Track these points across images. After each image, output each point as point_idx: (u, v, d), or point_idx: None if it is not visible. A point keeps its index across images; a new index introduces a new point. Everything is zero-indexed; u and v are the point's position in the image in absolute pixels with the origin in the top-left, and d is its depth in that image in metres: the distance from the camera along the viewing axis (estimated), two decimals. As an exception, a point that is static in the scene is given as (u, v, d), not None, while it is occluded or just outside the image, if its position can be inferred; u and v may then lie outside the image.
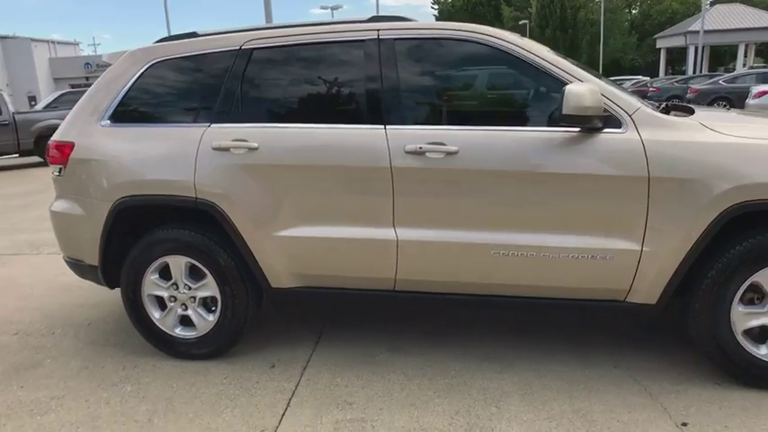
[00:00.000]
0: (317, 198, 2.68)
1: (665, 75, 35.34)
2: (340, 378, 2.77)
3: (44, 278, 4.41)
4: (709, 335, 2.45)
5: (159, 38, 3.14)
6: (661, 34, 39.15)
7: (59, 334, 3.44)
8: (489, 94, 2.74)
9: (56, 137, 3.05)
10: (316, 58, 2.77)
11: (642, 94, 21.40)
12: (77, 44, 48.78)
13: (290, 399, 2.61)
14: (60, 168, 3.03)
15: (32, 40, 41.74)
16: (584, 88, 2.25)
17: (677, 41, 36.64)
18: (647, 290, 2.47)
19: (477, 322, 3.29)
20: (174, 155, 2.79)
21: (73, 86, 27.96)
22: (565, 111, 2.26)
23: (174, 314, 2.98)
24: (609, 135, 2.40)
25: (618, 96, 2.45)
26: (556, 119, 2.39)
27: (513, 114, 2.67)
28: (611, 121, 2.41)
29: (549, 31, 40.79)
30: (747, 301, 2.43)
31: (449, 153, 2.50)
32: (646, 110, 2.43)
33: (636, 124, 2.40)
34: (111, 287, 3.09)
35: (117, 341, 3.27)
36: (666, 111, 2.68)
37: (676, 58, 44.24)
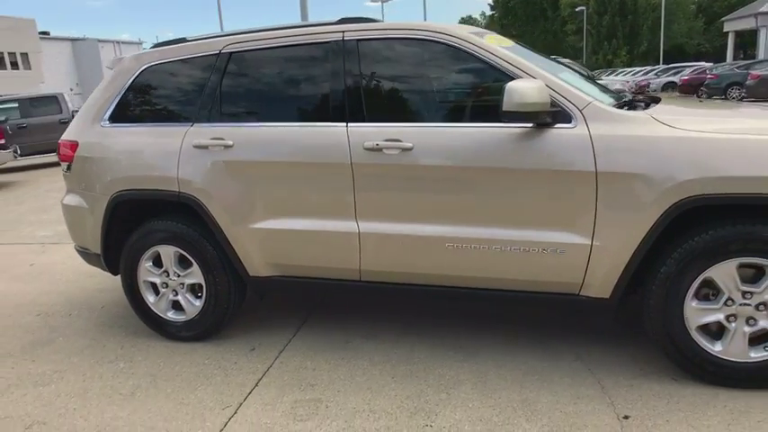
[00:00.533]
0: (286, 193, 2.85)
1: (734, 60, 33.32)
2: (310, 362, 2.93)
3: (74, 265, 4.80)
4: (663, 330, 2.44)
5: (154, 44, 3.38)
6: (729, 16, 36.88)
7: (75, 315, 3.78)
8: (445, 91, 2.81)
9: (64, 136, 3.36)
10: (286, 60, 2.92)
11: (699, 81, 20.37)
12: (141, 44, 51.18)
13: (260, 379, 2.79)
14: (68, 165, 3.34)
15: (99, 41, 44.21)
16: (525, 85, 2.30)
17: (747, 24, 34.39)
18: (600, 284, 2.48)
19: (452, 313, 3.37)
20: (160, 152, 3.03)
21: None
22: (504, 107, 2.31)
23: (166, 299, 3.23)
24: (559, 130, 2.43)
25: (569, 92, 2.47)
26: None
27: (468, 111, 2.73)
28: (562, 116, 2.44)
29: (607, 18, 39.39)
30: (703, 297, 2.41)
31: (404, 149, 2.60)
32: (596, 104, 2.44)
33: (586, 119, 2.42)
34: (114, 273, 3.38)
35: (122, 323, 3.57)
36: (631, 105, 2.67)
37: (747, 41, 41.61)
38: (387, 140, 2.63)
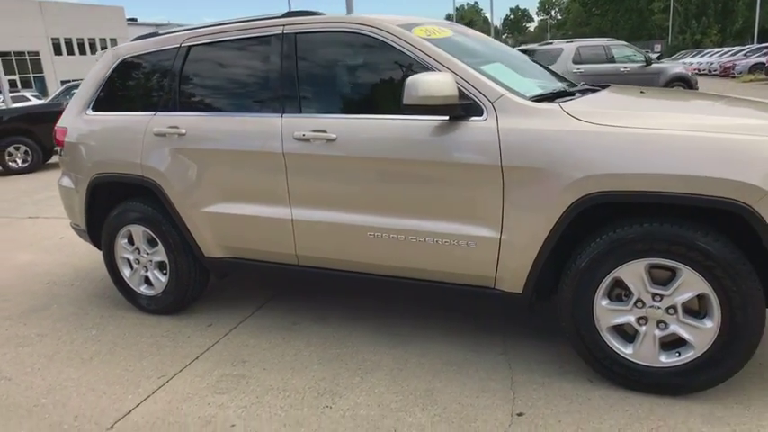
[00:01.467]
0: (231, 179, 3.00)
1: None
2: (253, 340, 3.10)
3: (94, 239, 5.25)
4: (574, 329, 2.39)
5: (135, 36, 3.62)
6: (841, -10, 33.19)
7: (76, 285, 4.17)
8: (371, 83, 2.82)
9: (58, 122, 3.69)
10: (234, 53, 3.06)
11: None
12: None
13: (203, 353, 3.00)
14: (61, 150, 3.67)
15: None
16: (425, 78, 2.29)
17: None
18: (511, 278, 2.46)
19: (402, 301, 3.42)
20: (129, 139, 3.27)
21: None
22: (404, 101, 2.32)
23: (138, 274, 3.51)
24: (471, 123, 2.41)
25: (482, 84, 2.43)
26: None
27: (389, 103, 2.74)
28: (474, 109, 2.42)
29: (698, -6, 36.51)
30: (616, 297, 2.33)
31: (329, 140, 2.68)
32: (508, 97, 2.39)
33: (496, 112, 2.38)
34: (99, 248, 3.70)
35: (111, 294, 3.89)
36: (563, 95, 2.59)
37: None
38: (314, 131, 2.71)
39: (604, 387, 2.41)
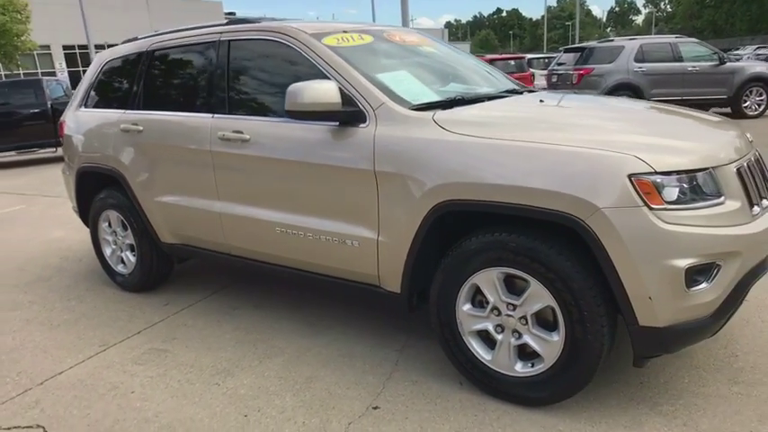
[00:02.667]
0: (175, 173, 3.31)
1: None
2: (193, 321, 3.40)
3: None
4: (440, 331, 2.46)
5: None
6: None
7: (84, 261, 4.69)
8: (281, 87, 2.96)
9: (61, 117, 4.19)
10: (184, 58, 3.35)
11: None
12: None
13: (146, 328, 3.34)
14: (62, 140, 4.17)
15: (274, 20, 48.44)
16: (305, 86, 2.43)
17: None
18: (390, 279, 2.56)
19: (339, 294, 3.56)
20: (104, 134, 3.68)
21: None
22: (286, 107, 2.48)
23: (115, 254, 3.93)
24: (356, 129, 2.53)
25: (368, 92, 2.53)
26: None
27: None
28: (360, 115, 2.53)
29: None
30: (478, 303, 2.38)
31: (243, 140, 2.89)
32: (388, 105, 2.48)
33: (376, 119, 2.48)
34: (91, 230, 4.17)
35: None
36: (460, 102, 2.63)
37: None
38: (233, 132, 2.94)
39: (469, 391, 2.45)
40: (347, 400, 2.47)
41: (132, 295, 3.85)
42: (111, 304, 3.74)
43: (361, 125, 2.52)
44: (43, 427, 2.42)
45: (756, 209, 2.16)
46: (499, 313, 2.29)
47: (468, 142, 2.24)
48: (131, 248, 3.82)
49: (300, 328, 3.20)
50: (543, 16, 63.60)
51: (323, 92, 2.44)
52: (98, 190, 3.89)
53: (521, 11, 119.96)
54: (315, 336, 3.09)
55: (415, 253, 2.41)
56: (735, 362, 2.56)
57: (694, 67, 10.67)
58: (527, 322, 2.23)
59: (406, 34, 3.26)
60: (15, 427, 2.43)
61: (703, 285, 1.99)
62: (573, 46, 12.66)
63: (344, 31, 2.94)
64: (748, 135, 2.50)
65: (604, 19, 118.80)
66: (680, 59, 10.75)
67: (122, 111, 3.62)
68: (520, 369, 2.30)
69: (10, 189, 8.45)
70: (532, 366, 2.27)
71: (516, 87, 3.30)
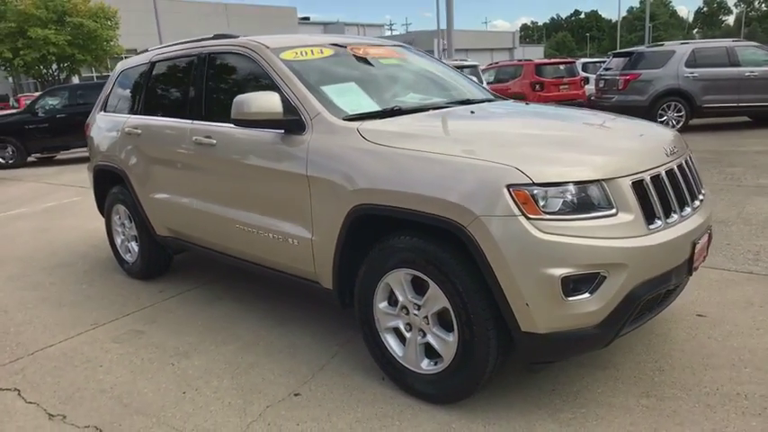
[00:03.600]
0: (163, 173, 3.66)
1: None
2: (177, 307, 3.73)
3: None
4: (362, 328, 2.62)
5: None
6: None
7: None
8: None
9: (88, 119, 4.68)
10: (175, 69, 3.69)
11: None
12: (382, 26, 55.78)
13: (134, 312, 3.70)
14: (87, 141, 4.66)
15: (345, 24, 49.67)
16: (249, 97, 2.66)
17: None
18: (324, 276, 2.75)
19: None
20: (113, 136, 4.10)
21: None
22: (232, 115, 2.72)
23: (124, 244, 4.36)
24: (297, 136, 2.73)
25: (308, 103, 2.73)
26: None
27: None
28: (301, 124, 2.74)
29: None
30: (393, 302, 2.51)
31: (211, 145, 3.18)
32: (323, 115, 2.66)
33: (313, 127, 2.68)
34: (109, 221, 4.63)
35: (93, 279, 4.80)
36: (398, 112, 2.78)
37: None
38: (204, 137, 3.23)
39: (387, 386, 2.59)
40: (275, 386, 2.68)
41: (135, 282, 4.25)
42: (114, 289, 4.15)
43: (303, 133, 2.72)
44: (18, 390, 2.80)
45: (659, 222, 2.17)
46: (407, 312, 2.43)
47: (380, 151, 2.39)
48: (135, 239, 4.22)
49: (265, 319, 3.45)
50: (618, 17, 61.12)
51: (265, 102, 2.67)
52: (111, 186, 4.32)
53: (600, 12, 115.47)
54: (273, 327, 3.32)
55: (340, 253, 2.58)
56: (658, 376, 2.55)
57: (752, 72, 10.06)
58: (429, 322, 2.35)
59: (372, 48, 3.42)
60: (-5, 388, 2.83)
61: (585, 295, 2.04)
62: (622, 50, 12.24)
63: (306, 46, 3.16)
64: (674, 146, 2.47)
65: (690, 20, 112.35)
66: (736, 64, 10.17)
67: (128, 116, 4.02)
68: (425, 366, 2.42)
69: (72, 183, 9.30)
70: (435, 365, 2.39)
71: (483, 97, 3.40)
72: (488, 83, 14.17)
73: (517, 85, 13.20)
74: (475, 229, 2.06)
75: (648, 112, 10.50)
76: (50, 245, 5.48)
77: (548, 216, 2.02)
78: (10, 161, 11.60)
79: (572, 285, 2.02)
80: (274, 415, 2.45)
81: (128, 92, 4.20)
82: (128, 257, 4.35)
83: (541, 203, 2.02)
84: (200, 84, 3.39)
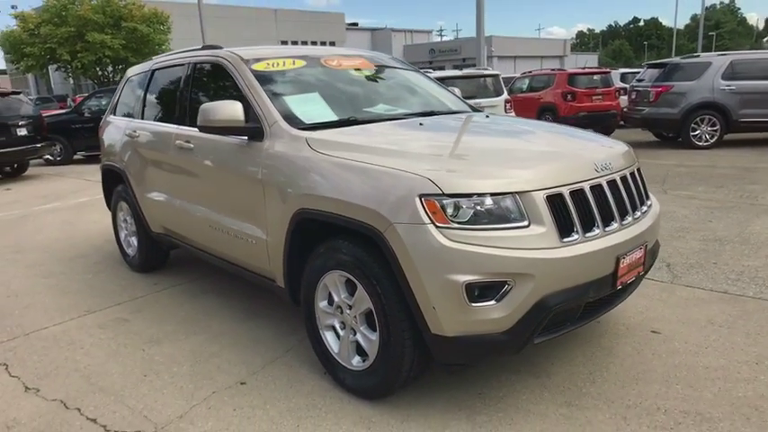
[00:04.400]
0: (154, 174, 3.94)
1: None
2: (165, 299, 4.00)
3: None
4: (306, 324, 2.79)
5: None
6: None
7: (92, 263, 5.55)
8: None
9: (101, 122, 5.06)
10: (169, 77, 3.97)
11: None
12: (430, 32, 55.86)
13: (126, 301, 3.99)
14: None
15: (393, 30, 50.02)
16: (213, 106, 2.87)
17: None
18: (278, 274, 2.92)
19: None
20: (117, 138, 4.43)
21: (455, 67, 32.04)
22: (198, 123, 2.94)
23: (126, 239, 4.68)
24: (258, 143, 2.93)
25: (269, 112, 2.92)
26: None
27: None
28: (261, 131, 2.93)
29: None
30: (333, 301, 2.67)
31: (189, 149, 3.43)
32: (279, 124, 2.85)
33: (270, 135, 2.87)
34: (117, 217, 4.98)
35: (99, 270, 5.14)
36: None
37: None
38: (184, 141, 3.49)
39: (326, 380, 2.74)
40: (226, 374, 2.88)
41: (135, 274, 4.57)
42: (115, 280, 4.47)
43: (262, 140, 2.92)
44: (6, 365, 3.11)
45: (575, 236, 2.24)
46: (342, 311, 2.58)
47: (320, 159, 2.56)
48: (135, 235, 4.53)
49: (238, 313, 3.66)
50: (674, 25, 58.92)
51: (228, 111, 2.87)
52: (116, 184, 4.66)
53: (660, 20, 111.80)
54: (243, 321, 3.53)
55: (288, 254, 2.76)
56: (587, 387, 2.60)
57: (796, 84, 9.65)
58: (357, 322, 2.50)
59: (346, 59, 3.59)
60: (-13, 362, 3.15)
61: (491, 302, 2.14)
62: (656, 61, 11.93)
63: (279, 57, 3.36)
64: (609, 161, 2.51)
65: (761, 27, 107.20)
66: (779, 76, 9.77)
67: (129, 119, 4.35)
68: (355, 363, 2.56)
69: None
70: (363, 362, 2.53)
71: (450, 109, 3.52)
72: (521, 92, 14.11)
73: (549, 94, 13.04)
74: (390, 235, 2.20)
75: (681, 125, 10.25)
76: (71, 237, 5.91)
77: (456, 225, 2.13)
78: (57, 158, 12.40)
79: (477, 292, 2.13)
80: (217, 400, 2.64)
81: (132, 97, 4.53)
82: (129, 251, 4.67)
83: (451, 213, 2.13)
84: (186, 91, 3.65)
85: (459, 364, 2.34)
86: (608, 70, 13.82)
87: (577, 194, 2.30)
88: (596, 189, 2.38)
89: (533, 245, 2.16)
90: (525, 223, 2.17)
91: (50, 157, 12.34)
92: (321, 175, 2.52)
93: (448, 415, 2.43)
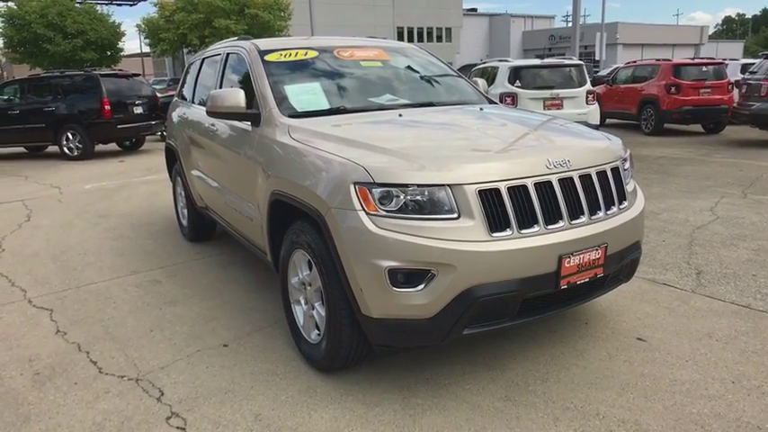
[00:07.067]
0: (195, 152, 4.37)
1: None
2: (199, 267, 4.43)
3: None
4: (282, 297, 3.01)
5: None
6: None
7: (156, 230, 6.14)
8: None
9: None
10: (211, 65, 4.34)
11: None
12: (552, 17, 53.42)
13: (167, 266, 4.48)
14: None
15: (512, 16, 48.53)
16: (221, 92, 3.17)
17: None
18: (267, 251, 3.18)
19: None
20: (174, 120, 4.95)
21: (537, 57, 31.30)
22: (206, 109, 3.25)
23: (181, 211, 5.22)
24: (256, 128, 3.19)
25: (267, 100, 3.16)
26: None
27: None
28: (259, 118, 3.18)
29: None
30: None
31: (215, 131, 3.78)
32: (273, 111, 3.07)
33: (264, 121, 3.11)
34: (178, 191, 5.54)
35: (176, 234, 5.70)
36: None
37: None
38: (211, 124, 3.85)
39: (295, 351, 2.95)
40: (216, 337, 3.20)
41: (186, 243, 5.08)
42: (168, 247, 5.01)
43: (260, 125, 3.17)
44: (52, 310, 3.67)
45: (507, 231, 2.25)
46: (305, 288, 2.77)
47: (292, 145, 2.75)
48: (186, 208, 5.03)
49: (250, 284, 3.99)
50: None
51: (232, 98, 3.15)
52: (174, 162, 5.19)
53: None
54: (252, 291, 3.85)
55: (269, 232, 3.00)
56: (536, 385, 2.57)
57: None
58: (314, 298, 2.68)
59: (360, 50, 3.73)
60: (40, 305, 3.73)
61: (415, 288, 2.22)
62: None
63: (292, 48, 3.58)
64: (567, 158, 2.44)
65: None
66: None
67: (183, 103, 4.82)
68: (312, 336, 2.75)
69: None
70: (319, 336, 2.70)
71: (452, 100, 3.57)
72: (623, 83, 13.26)
73: (652, 86, 12.09)
74: (328, 219, 2.35)
75: (796, 123, 9.13)
76: (151, 206, 6.64)
77: (384, 212, 2.23)
78: (157, 133, 13.59)
79: (401, 278, 2.21)
80: (197, 358, 2.96)
81: (189, 82, 5.00)
82: (183, 222, 5.20)
83: (380, 201, 2.23)
84: (219, 78, 4.00)
85: (387, 345, 2.43)
86: (722, 61, 12.55)
87: (517, 190, 2.29)
88: (544, 186, 2.35)
89: (459, 237, 2.20)
90: (455, 215, 2.21)
91: (158, 136, 13.63)
92: (290, 160, 2.71)
93: (386, 395, 2.54)
